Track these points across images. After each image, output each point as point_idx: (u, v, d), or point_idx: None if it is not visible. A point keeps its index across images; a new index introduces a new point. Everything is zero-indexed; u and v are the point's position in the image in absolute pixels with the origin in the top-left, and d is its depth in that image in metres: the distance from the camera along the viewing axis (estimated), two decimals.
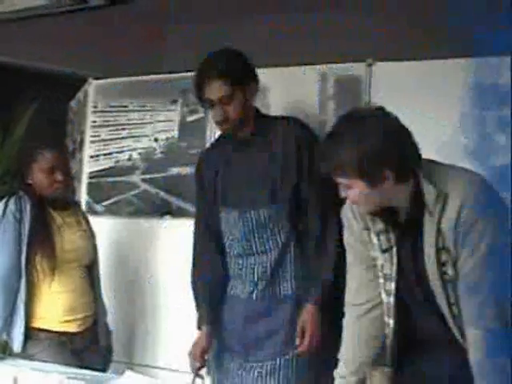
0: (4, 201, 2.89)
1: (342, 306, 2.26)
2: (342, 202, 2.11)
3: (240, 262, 2.69)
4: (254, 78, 2.64)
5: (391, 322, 2.13)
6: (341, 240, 2.30)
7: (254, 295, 2.66)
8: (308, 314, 2.57)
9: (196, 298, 2.78)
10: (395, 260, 2.07)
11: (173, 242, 3.42)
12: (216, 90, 2.55)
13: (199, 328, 2.73)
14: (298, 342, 2.55)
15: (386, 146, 1.90)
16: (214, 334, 2.72)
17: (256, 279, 2.66)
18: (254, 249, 2.66)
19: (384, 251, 2.09)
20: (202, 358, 2.68)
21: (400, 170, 1.94)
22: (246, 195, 2.66)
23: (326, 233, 2.60)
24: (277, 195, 2.62)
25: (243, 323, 2.68)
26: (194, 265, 2.82)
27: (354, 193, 1.98)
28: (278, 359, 2.61)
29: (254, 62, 2.68)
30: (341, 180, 1.98)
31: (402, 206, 2.02)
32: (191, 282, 2.80)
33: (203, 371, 2.70)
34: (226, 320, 2.74)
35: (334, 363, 2.23)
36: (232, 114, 2.58)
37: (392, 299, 2.11)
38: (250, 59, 2.66)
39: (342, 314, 2.24)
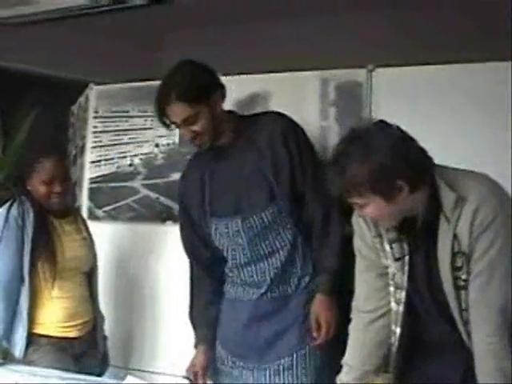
0: (6, 206, 2.88)
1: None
2: None
3: (249, 269, 2.65)
4: (217, 87, 2.57)
5: (398, 330, 2.12)
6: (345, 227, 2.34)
7: (265, 296, 2.63)
8: (319, 305, 2.55)
9: (192, 320, 2.78)
10: (407, 269, 2.07)
11: (173, 248, 3.41)
12: (178, 113, 2.49)
13: (195, 347, 2.73)
14: (315, 334, 2.53)
15: (393, 157, 1.90)
16: (210, 352, 2.71)
17: (269, 281, 2.62)
18: (262, 253, 2.62)
19: (397, 260, 2.08)
20: (203, 376, 2.68)
21: (412, 178, 1.93)
22: (244, 201, 2.61)
23: (328, 222, 2.58)
24: (274, 194, 2.57)
25: (254, 325, 2.65)
26: (191, 288, 2.80)
27: (372, 210, 1.97)
28: (294, 354, 2.58)
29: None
30: (355, 200, 1.97)
31: (418, 213, 2.02)
32: (189, 306, 2.79)
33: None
34: (232, 324, 2.71)
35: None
36: (200, 131, 2.53)
37: (401, 308, 2.10)
38: (211, 66, 2.59)
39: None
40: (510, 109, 2.73)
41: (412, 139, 1.98)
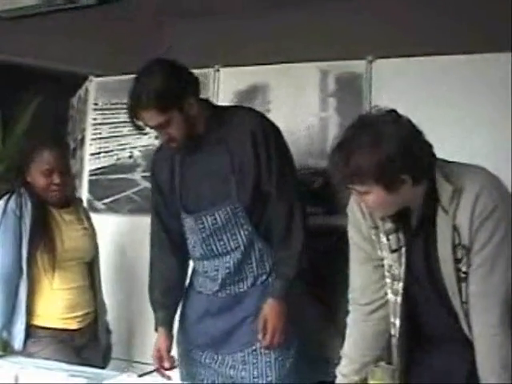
0: (5, 198, 2.88)
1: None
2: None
3: (204, 263, 2.67)
4: (191, 88, 2.52)
5: (397, 322, 2.12)
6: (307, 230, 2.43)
7: (220, 293, 2.65)
8: (269, 308, 2.55)
9: (152, 302, 2.77)
10: (404, 260, 2.06)
11: None
12: (151, 119, 2.46)
13: (156, 330, 2.72)
14: (260, 336, 2.54)
15: (402, 150, 1.88)
16: (170, 334, 2.72)
17: (220, 280, 2.64)
18: (215, 251, 2.63)
19: (393, 251, 2.07)
20: (168, 357, 2.67)
21: (416, 172, 1.92)
22: (201, 199, 2.61)
23: (291, 227, 2.57)
24: (232, 195, 2.56)
25: (210, 319, 2.68)
26: (151, 270, 2.79)
27: (372, 198, 1.96)
28: (246, 350, 2.61)
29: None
30: (356, 187, 1.96)
31: (416, 205, 2.02)
32: (148, 287, 2.79)
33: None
34: (193, 316, 2.74)
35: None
36: (175, 134, 2.51)
37: (399, 299, 2.10)
38: (186, 67, 2.53)
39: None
40: (510, 101, 2.72)
41: (420, 133, 1.96)
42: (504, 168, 2.65)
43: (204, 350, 2.70)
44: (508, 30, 3.33)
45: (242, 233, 2.60)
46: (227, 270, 2.63)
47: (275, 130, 2.62)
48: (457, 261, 1.97)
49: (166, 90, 2.44)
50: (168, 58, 2.54)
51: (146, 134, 3.53)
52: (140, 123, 2.51)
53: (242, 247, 2.61)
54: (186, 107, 2.49)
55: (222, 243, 2.62)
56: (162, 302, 2.73)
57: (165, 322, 2.72)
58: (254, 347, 2.60)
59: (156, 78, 2.46)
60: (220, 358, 2.66)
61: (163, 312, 2.73)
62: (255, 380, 2.59)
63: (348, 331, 2.22)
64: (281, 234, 2.59)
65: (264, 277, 2.64)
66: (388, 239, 2.07)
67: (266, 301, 2.57)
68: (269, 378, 2.59)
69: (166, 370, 2.66)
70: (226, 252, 2.62)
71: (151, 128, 2.53)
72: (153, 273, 2.79)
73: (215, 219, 2.58)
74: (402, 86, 2.94)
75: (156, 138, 3.54)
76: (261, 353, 2.59)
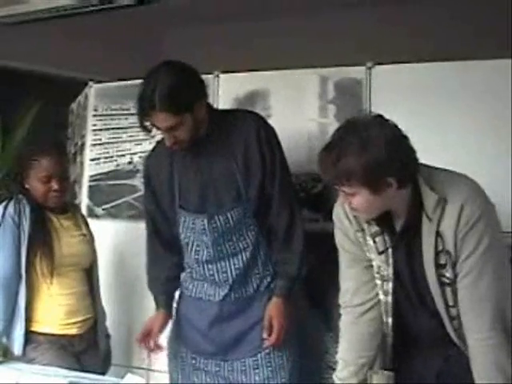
0: (3, 204, 2.88)
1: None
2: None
3: (210, 266, 2.66)
4: (202, 95, 2.52)
5: (390, 320, 2.15)
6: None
7: (229, 297, 2.65)
8: (274, 307, 2.58)
9: (151, 287, 2.79)
10: (391, 261, 2.09)
11: None
12: (162, 121, 2.43)
13: (157, 310, 2.73)
14: (265, 335, 2.55)
15: (389, 154, 1.91)
16: (169, 317, 2.73)
17: (231, 282, 2.64)
18: (225, 252, 2.63)
19: (380, 253, 2.10)
20: (158, 337, 2.66)
21: (402, 176, 1.95)
22: (211, 199, 2.60)
23: (293, 227, 2.60)
24: (242, 195, 2.57)
25: (218, 326, 2.67)
26: (149, 266, 2.81)
27: (358, 200, 1.99)
28: (258, 355, 2.62)
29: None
30: (343, 188, 1.99)
31: (400, 210, 2.04)
32: (147, 281, 2.80)
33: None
34: (195, 323, 2.72)
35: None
36: (183, 138, 2.49)
37: (390, 298, 2.13)
38: (197, 70, 2.51)
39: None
40: (510, 106, 2.73)
41: (406, 137, 1.99)
42: (504, 175, 2.66)
43: (208, 358, 2.69)
44: (508, 36, 3.35)
45: (249, 233, 2.62)
46: (237, 271, 2.63)
47: (275, 132, 2.65)
48: (440, 266, 2.00)
49: (180, 92, 2.42)
50: (177, 60, 2.51)
51: (146, 139, 3.57)
52: (149, 125, 2.48)
53: (251, 247, 2.62)
54: (197, 110, 2.48)
55: (230, 243, 2.62)
56: (164, 289, 2.74)
57: (166, 306, 2.73)
58: (267, 350, 2.60)
59: (168, 79, 2.42)
60: (227, 364, 2.66)
61: (164, 296, 2.74)
62: (270, 380, 2.60)
63: (341, 334, 2.25)
64: (282, 236, 2.62)
65: (269, 278, 2.66)
66: (374, 241, 2.11)
67: (271, 300, 2.60)
68: (283, 380, 2.61)
69: (151, 350, 2.65)
70: (235, 253, 2.63)
71: (159, 130, 2.49)
72: (151, 268, 2.80)
73: (227, 219, 2.59)
74: (401, 92, 2.94)
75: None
76: (274, 355, 2.61)
